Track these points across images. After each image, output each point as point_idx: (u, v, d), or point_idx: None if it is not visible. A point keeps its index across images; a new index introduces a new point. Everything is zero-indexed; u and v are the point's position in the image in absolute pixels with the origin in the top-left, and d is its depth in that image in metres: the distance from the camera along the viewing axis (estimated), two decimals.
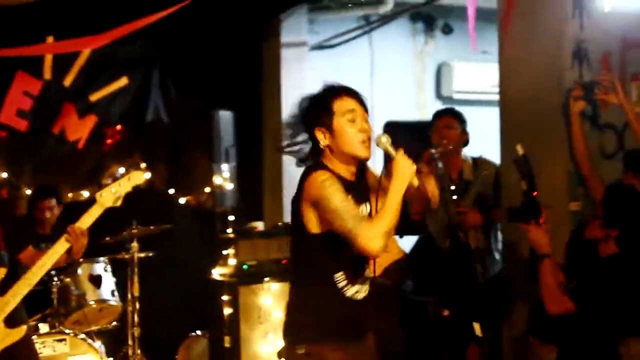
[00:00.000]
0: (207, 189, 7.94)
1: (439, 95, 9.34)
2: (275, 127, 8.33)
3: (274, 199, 8.43)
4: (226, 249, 6.84)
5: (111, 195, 5.05)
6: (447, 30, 9.21)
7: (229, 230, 7.02)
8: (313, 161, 3.79)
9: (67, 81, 7.72)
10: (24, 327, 5.29)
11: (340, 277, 3.73)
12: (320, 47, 8.72)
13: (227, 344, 6.68)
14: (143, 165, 7.58)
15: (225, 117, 7.72)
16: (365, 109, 3.81)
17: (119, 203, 5.29)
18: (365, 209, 3.79)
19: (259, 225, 7.10)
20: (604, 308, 4.44)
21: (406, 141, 6.64)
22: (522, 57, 5.65)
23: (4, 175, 7.39)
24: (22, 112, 7.57)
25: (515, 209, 4.65)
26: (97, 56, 7.69)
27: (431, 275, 6.12)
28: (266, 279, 6.68)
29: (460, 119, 6.08)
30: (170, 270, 7.50)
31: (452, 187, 5.85)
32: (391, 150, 3.69)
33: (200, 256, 7.37)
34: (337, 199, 3.58)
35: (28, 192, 7.32)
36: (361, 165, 3.80)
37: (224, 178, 7.61)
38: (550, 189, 5.34)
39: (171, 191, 7.96)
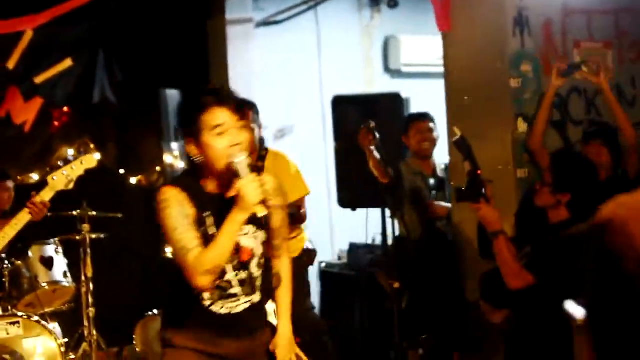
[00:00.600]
0: (158, 168, 7.92)
1: (386, 69, 9.37)
2: None
3: None
4: None
5: (63, 178, 5.08)
6: (393, 3, 9.22)
7: None
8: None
9: (11, 64, 7.63)
10: None
11: (198, 293, 3.57)
12: (265, 23, 8.70)
13: None
14: (92, 146, 7.53)
15: (172, 95, 7.69)
16: (243, 116, 3.65)
17: (71, 186, 5.33)
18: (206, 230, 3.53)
19: None
20: (558, 274, 4.50)
21: (355, 115, 6.78)
22: (464, 28, 5.71)
23: None
24: None
25: (462, 189, 4.66)
26: (40, 38, 7.60)
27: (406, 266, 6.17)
28: None
29: (434, 122, 6.30)
30: (122, 251, 7.48)
31: (432, 182, 6.29)
32: (243, 172, 3.38)
33: (153, 235, 7.34)
34: (171, 224, 3.40)
35: None
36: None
37: (174, 156, 7.60)
38: (497, 157, 5.43)
39: (121, 171, 7.93)
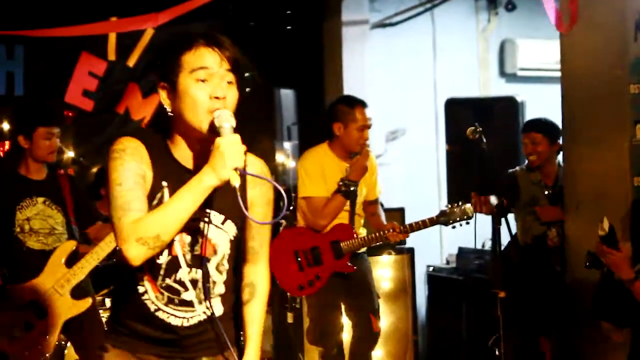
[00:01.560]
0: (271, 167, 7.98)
1: (502, 73, 9.25)
2: None
3: None
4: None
5: None
6: (511, 7, 9.10)
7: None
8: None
9: (131, 62, 7.82)
10: (89, 300, 5.46)
11: (141, 288, 2.89)
12: (381, 25, 8.68)
13: (290, 320, 6.74)
14: None
15: (286, 95, 7.76)
16: (236, 70, 2.90)
17: None
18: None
19: None
20: None
21: (468, 118, 6.73)
22: (582, 32, 5.59)
23: (71, 154, 7.51)
24: (88, 92, 7.68)
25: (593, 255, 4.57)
26: (160, 36, 7.77)
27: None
28: None
29: (545, 132, 6.14)
30: None
31: (547, 193, 6.15)
32: (224, 129, 2.76)
33: None
34: (116, 177, 2.75)
35: (94, 170, 7.43)
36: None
37: (286, 156, 7.65)
38: (614, 164, 5.30)
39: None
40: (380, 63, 8.55)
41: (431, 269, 8.10)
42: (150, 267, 2.84)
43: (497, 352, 5.78)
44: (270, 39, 8.04)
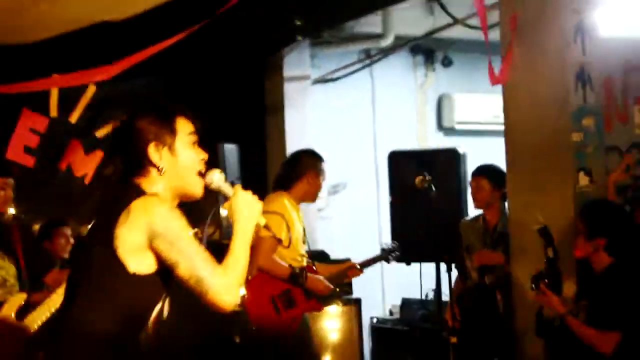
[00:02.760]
0: (214, 222, 7.96)
1: (440, 127, 9.44)
2: (279, 160, 8.41)
3: None
4: None
5: None
6: (447, 62, 9.33)
7: None
8: (124, 181, 3.05)
9: (73, 118, 7.76)
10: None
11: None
12: (322, 80, 8.82)
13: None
14: None
15: (230, 150, 7.78)
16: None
17: None
18: None
19: None
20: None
21: (411, 170, 6.82)
22: (525, 83, 5.73)
23: (12, 211, 7.42)
24: (29, 148, 7.60)
25: (538, 275, 4.75)
26: (102, 93, 7.75)
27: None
28: None
29: (490, 177, 6.23)
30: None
31: (485, 239, 6.24)
32: (225, 188, 3.18)
33: None
34: (187, 238, 2.94)
35: (36, 227, 7.34)
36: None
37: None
38: (558, 211, 5.41)
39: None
40: (322, 118, 8.66)
41: (375, 320, 8.12)
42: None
43: None
44: (213, 94, 8.08)
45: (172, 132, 3.09)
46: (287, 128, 8.46)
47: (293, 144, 8.40)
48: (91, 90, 7.74)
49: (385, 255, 6.32)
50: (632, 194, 5.50)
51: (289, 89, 8.52)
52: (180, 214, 2.98)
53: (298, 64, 8.60)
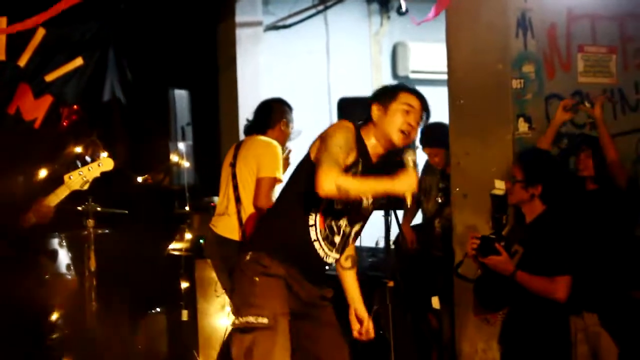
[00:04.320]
0: (164, 167, 7.96)
1: (395, 75, 9.42)
2: (231, 106, 8.40)
3: None
4: (182, 224, 6.91)
5: (79, 178, 5.18)
6: (402, 11, 9.27)
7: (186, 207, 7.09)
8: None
9: (22, 61, 7.71)
10: None
11: (312, 219, 3.91)
12: (275, 27, 8.77)
13: (184, 318, 6.75)
14: (101, 145, 7.55)
15: (180, 96, 7.74)
16: (422, 117, 4.02)
17: (86, 187, 5.41)
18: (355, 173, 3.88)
19: (215, 200, 7.14)
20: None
21: (359, 117, 6.83)
22: (468, 30, 5.75)
23: None
24: None
25: (487, 238, 4.73)
26: (52, 37, 7.68)
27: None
28: None
29: (440, 144, 6.37)
30: (127, 247, 7.51)
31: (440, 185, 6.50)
32: (411, 164, 3.88)
33: (158, 233, 7.41)
34: (337, 141, 3.77)
35: None
36: (387, 153, 4.00)
37: (180, 156, 7.62)
38: (497, 156, 5.46)
39: (128, 169, 7.96)
40: (274, 64, 8.63)
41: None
42: (327, 207, 3.91)
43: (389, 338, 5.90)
44: (164, 39, 8.02)
45: (392, 99, 3.97)
46: (240, 75, 8.40)
47: (245, 91, 8.38)
48: (40, 33, 7.69)
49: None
50: (568, 143, 5.53)
51: (242, 35, 8.45)
52: (352, 136, 3.87)
53: (251, 9, 8.52)
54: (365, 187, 3.81)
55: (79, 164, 6.43)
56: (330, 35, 9.05)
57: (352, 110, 7.29)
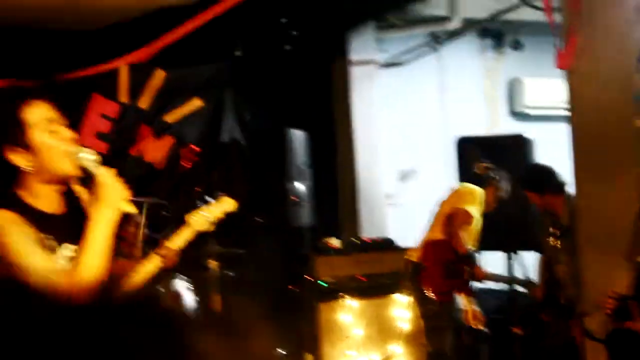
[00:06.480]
0: (282, 208, 7.99)
1: (511, 111, 9.33)
2: (347, 145, 8.42)
3: (349, 216, 8.53)
4: (303, 267, 6.93)
5: (203, 219, 5.23)
6: (517, 45, 9.19)
7: (305, 248, 7.11)
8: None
9: (143, 103, 7.90)
10: None
11: None
12: (389, 64, 8.78)
13: None
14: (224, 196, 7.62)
15: (297, 136, 7.80)
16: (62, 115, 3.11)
17: (211, 228, 5.45)
18: (68, 250, 3.01)
19: (335, 242, 7.14)
20: None
21: (479, 156, 6.79)
22: (588, 67, 5.63)
23: None
24: (101, 134, 7.76)
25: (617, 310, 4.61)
26: (171, 79, 7.88)
27: None
28: (345, 295, 6.76)
29: (530, 188, 6.39)
30: (247, 289, 7.56)
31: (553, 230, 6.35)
32: (93, 167, 2.99)
33: (278, 274, 7.43)
34: (19, 250, 2.87)
35: None
36: (68, 186, 3.10)
37: (298, 196, 7.66)
38: (622, 198, 5.32)
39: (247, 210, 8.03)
40: (389, 102, 8.63)
41: None
42: None
43: None
44: (280, 80, 8.10)
45: (22, 128, 3.01)
46: (354, 113, 8.44)
47: (360, 129, 8.40)
48: (160, 75, 7.88)
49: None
50: None
51: (356, 73, 8.49)
52: (21, 224, 2.95)
53: (364, 48, 8.56)
54: (93, 252, 2.91)
55: (199, 204, 6.52)
56: (444, 71, 9.01)
57: (470, 149, 7.30)
